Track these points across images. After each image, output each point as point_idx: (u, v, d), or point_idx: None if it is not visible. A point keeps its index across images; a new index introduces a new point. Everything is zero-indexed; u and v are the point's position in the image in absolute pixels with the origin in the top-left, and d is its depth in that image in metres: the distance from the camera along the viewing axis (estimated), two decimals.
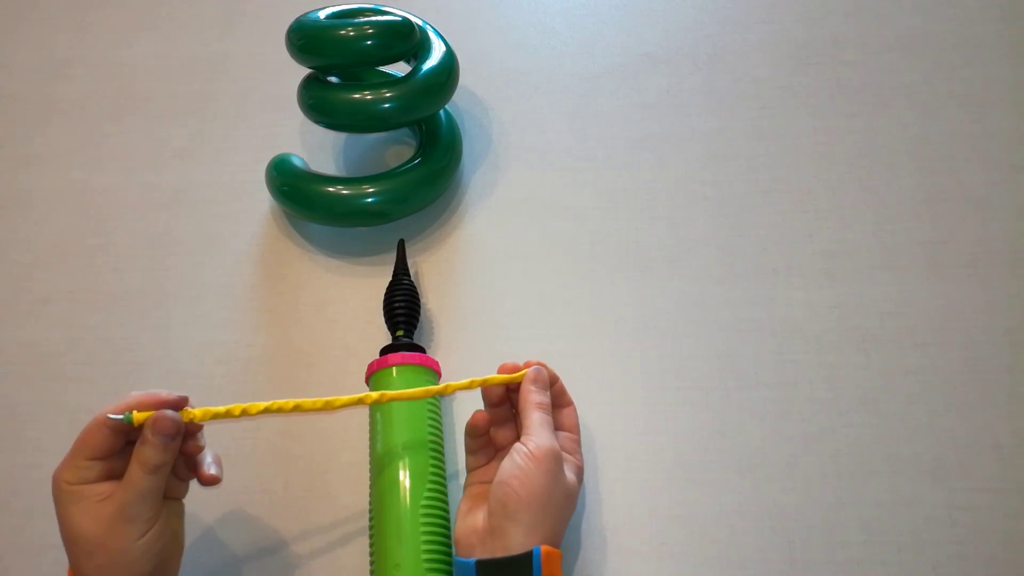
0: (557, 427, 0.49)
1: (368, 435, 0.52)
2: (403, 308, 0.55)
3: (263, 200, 0.64)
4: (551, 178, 0.64)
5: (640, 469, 0.53)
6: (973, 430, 0.53)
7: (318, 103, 0.58)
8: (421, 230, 0.62)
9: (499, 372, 0.49)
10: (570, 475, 0.46)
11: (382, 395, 0.46)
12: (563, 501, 0.44)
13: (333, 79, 0.60)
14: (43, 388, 0.58)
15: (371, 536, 0.48)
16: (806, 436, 0.53)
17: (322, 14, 0.58)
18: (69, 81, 0.72)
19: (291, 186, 0.60)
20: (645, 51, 0.69)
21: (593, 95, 0.67)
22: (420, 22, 0.61)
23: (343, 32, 0.56)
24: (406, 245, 0.60)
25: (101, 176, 0.67)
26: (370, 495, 0.49)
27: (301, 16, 0.58)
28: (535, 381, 0.48)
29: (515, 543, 0.42)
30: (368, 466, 0.52)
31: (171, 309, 0.60)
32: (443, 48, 0.61)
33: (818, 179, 0.62)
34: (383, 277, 0.58)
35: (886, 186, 0.61)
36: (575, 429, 0.50)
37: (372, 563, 0.47)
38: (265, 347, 0.58)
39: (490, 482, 0.46)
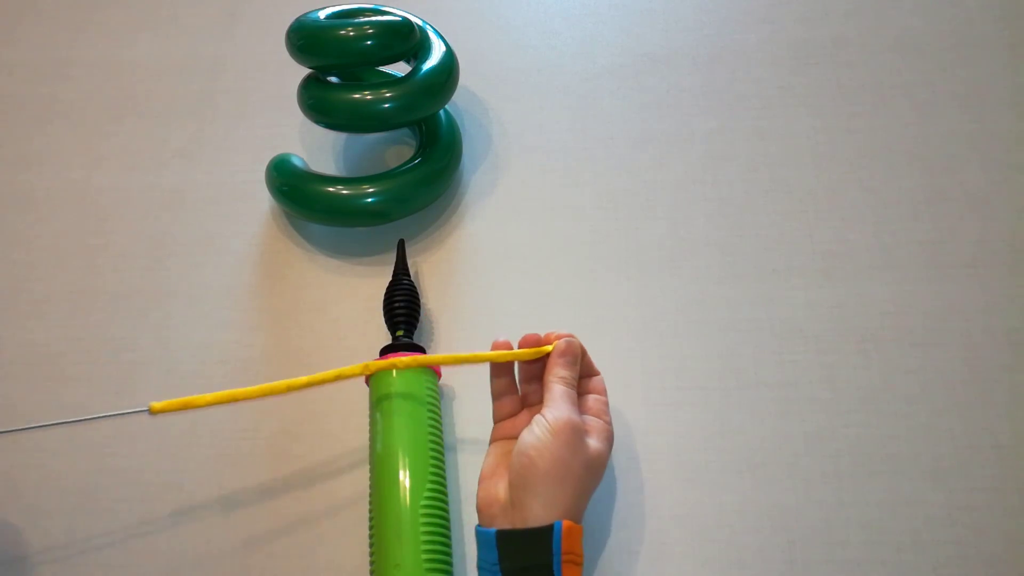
0: (586, 391, 0.49)
1: (368, 435, 0.52)
2: (403, 308, 0.55)
3: (263, 200, 0.64)
4: (551, 178, 0.64)
5: (640, 469, 0.53)
6: (973, 430, 0.53)
7: (318, 103, 0.58)
8: (421, 230, 0.62)
9: (521, 344, 0.49)
10: (594, 443, 0.46)
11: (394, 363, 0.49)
12: (582, 472, 0.44)
13: (333, 79, 0.60)
14: (43, 388, 0.58)
15: (371, 536, 0.48)
16: (806, 436, 0.53)
17: (322, 14, 0.58)
18: (69, 81, 0.72)
19: (291, 186, 0.60)
20: (645, 51, 0.69)
21: (593, 95, 0.67)
22: (420, 22, 0.61)
23: (343, 32, 0.56)
24: (406, 245, 0.60)
25: (101, 176, 0.67)
26: (370, 495, 0.49)
27: (301, 16, 0.59)
28: (563, 354, 0.48)
29: (534, 515, 0.42)
30: (368, 466, 0.52)
31: (171, 309, 0.60)
32: (443, 48, 0.61)
33: (818, 179, 0.62)
34: (383, 277, 0.58)
35: (886, 186, 0.61)
36: (603, 393, 0.50)
37: (372, 563, 0.47)
38: (265, 347, 0.58)
39: (514, 439, 0.46)
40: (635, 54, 0.69)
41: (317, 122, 0.59)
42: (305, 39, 0.57)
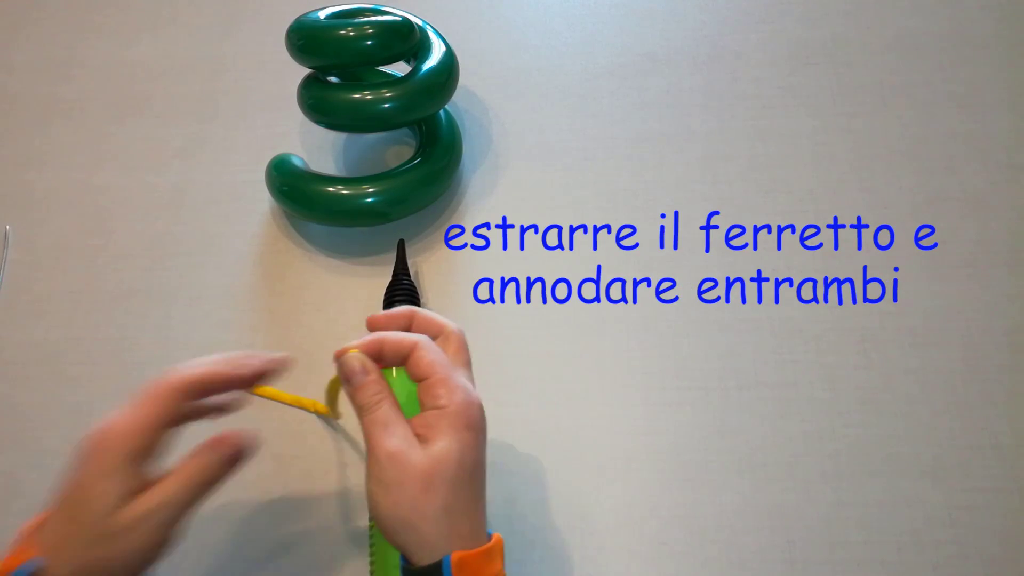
0: (417, 379, 0.41)
1: None
2: None
3: (263, 200, 0.64)
4: (551, 178, 0.64)
5: (640, 469, 0.53)
6: (973, 430, 0.53)
7: (318, 103, 0.58)
8: (421, 230, 0.62)
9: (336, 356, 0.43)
10: (427, 451, 0.39)
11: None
12: (422, 498, 0.38)
13: (333, 79, 0.60)
14: (43, 388, 0.58)
15: (371, 536, 0.48)
16: (806, 436, 0.53)
17: (322, 14, 0.58)
18: (70, 81, 0.72)
19: (291, 186, 0.60)
20: (645, 51, 0.69)
21: (593, 95, 0.67)
22: (420, 22, 0.61)
23: (343, 32, 0.56)
24: (406, 245, 0.60)
25: (102, 176, 0.67)
26: None
27: (301, 16, 0.59)
28: (346, 381, 0.41)
29: (417, 561, 0.39)
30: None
31: (171, 309, 0.60)
32: (443, 48, 0.61)
33: (818, 179, 0.62)
34: (383, 277, 0.58)
35: (886, 186, 0.61)
36: (438, 367, 0.41)
37: (372, 563, 0.47)
38: (265, 347, 0.58)
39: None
40: (635, 54, 0.69)
41: (317, 122, 0.59)
42: (305, 39, 0.57)
